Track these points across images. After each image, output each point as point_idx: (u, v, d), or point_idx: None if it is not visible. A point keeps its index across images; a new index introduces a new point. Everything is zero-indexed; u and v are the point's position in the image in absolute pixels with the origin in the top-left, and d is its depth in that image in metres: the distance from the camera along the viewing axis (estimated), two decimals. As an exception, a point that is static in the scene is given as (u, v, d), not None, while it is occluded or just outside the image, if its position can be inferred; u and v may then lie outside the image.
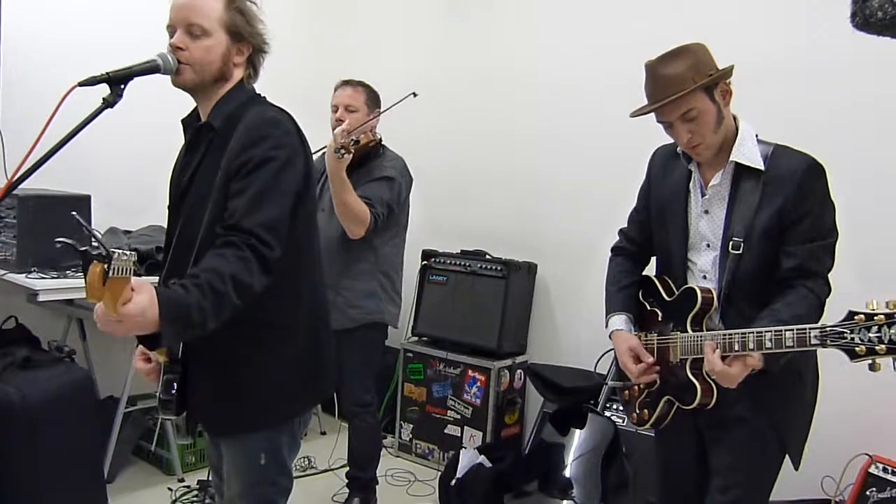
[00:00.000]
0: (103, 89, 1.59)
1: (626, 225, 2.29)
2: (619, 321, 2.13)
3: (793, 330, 1.67)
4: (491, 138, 4.13)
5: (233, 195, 1.62)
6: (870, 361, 1.54)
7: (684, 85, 1.84)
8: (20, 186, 1.57)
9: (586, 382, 3.45)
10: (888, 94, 2.85)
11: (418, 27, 4.47)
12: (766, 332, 1.72)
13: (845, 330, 1.57)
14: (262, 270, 1.56)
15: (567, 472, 3.06)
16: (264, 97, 1.85)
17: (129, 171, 3.72)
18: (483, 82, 4.14)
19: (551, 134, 3.92)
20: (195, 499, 3.33)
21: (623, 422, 3.23)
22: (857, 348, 1.55)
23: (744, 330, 1.79)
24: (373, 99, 3.12)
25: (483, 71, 4.15)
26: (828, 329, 1.61)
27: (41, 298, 2.89)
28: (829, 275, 1.88)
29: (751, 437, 1.92)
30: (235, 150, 1.65)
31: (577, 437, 3.13)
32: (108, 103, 1.60)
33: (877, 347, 1.52)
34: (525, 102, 4.00)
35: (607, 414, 3.23)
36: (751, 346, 1.75)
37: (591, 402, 3.23)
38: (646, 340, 2.09)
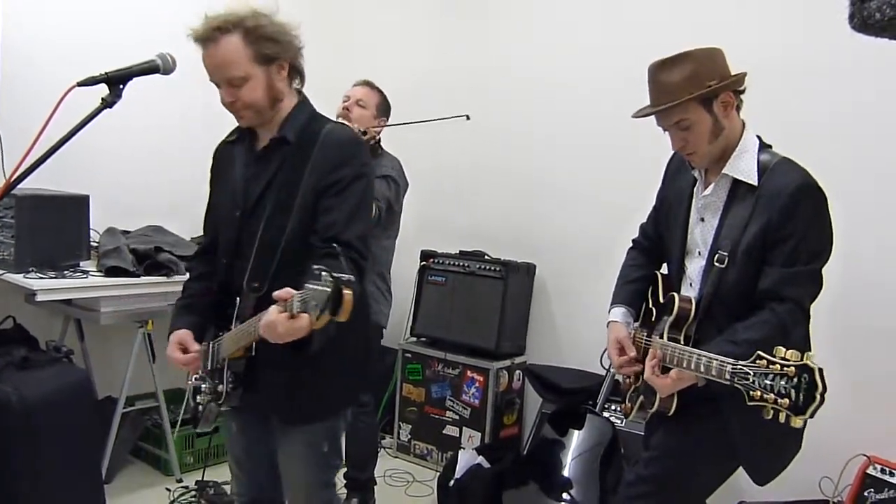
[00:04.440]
0: (102, 89, 1.59)
1: (645, 221, 2.30)
2: (618, 314, 2.15)
3: (718, 360, 1.64)
4: (490, 138, 4.13)
5: (327, 210, 1.80)
6: (762, 406, 1.50)
7: (677, 95, 1.82)
8: (18, 186, 1.56)
9: (585, 383, 3.46)
10: (887, 94, 2.85)
11: (416, 26, 4.47)
12: (702, 356, 1.71)
13: (750, 371, 1.53)
14: (359, 279, 1.74)
15: (565, 473, 3.05)
16: (321, 113, 1.98)
17: (127, 172, 3.72)
18: (481, 82, 4.14)
19: (550, 134, 3.92)
20: (193, 499, 3.32)
21: (622, 422, 3.24)
22: (752, 392, 1.52)
23: (684, 348, 1.80)
24: (384, 107, 3.14)
25: (482, 71, 4.15)
26: (738, 367, 1.57)
27: (39, 298, 2.89)
28: (827, 276, 1.85)
29: (699, 433, 1.92)
30: (326, 167, 1.81)
31: (576, 438, 3.13)
32: (107, 103, 1.60)
33: (766, 395, 1.49)
34: (524, 102, 4.01)
35: (606, 414, 3.23)
36: (684, 364, 1.76)
37: (590, 402, 3.23)
38: (637, 337, 2.11)
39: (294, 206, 1.81)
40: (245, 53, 1.78)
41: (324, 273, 1.42)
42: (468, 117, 3.35)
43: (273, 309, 1.54)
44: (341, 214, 1.78)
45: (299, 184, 1.81)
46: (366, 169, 1.87)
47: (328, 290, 1.40)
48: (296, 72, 1.91)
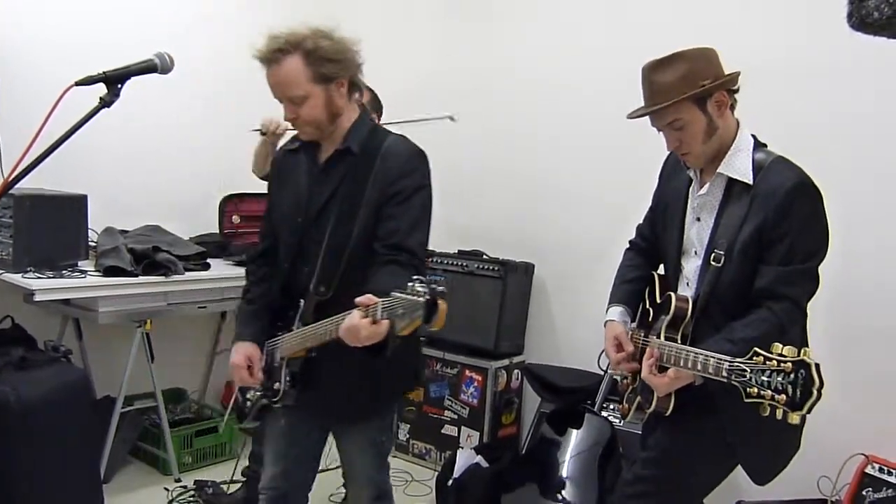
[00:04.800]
0: (100, 89, 1.59)
1: (642, 221, 2.30)
2: (615, 313, 2.16)
3: (714, 358, 1.65)
4: (489, 138, 4.13)
5: (389, 217, 1.89)
6: (759, 403, 1.51)
7: (670, 95, 1.83)
8: (17, 186, 1.56)
9: (583, 382, 3.46)
10: (886, 94, 2.85)
11: (420, 28, 4.47)
12: (699, 354, 1.71)
13: (746, 368, 1.54)
14: None
15: (564, 472, 3.06)
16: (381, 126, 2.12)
17: (125, 171, 3.71)
18: (481, 83, 4.14)
19: (549, 134, 3.92)
20: (191, 499, 3.32)
21: (620, 422, 3.24)
22: (749, 388, 1.52)
23: (680, 347, 1.81)
24: (374, 103, 3.11)
25: (481, 71, 4.15)
26: (734, 364, 1.57)
27: (37, 298, 2.89)
28: (823, 279, 1.85)
29: (697, 432, 1.92)
30: (390, 177, 1.91)
31: (574, 437, 3.13)
32: (105, 103, 1.59)
33: (762, 392, 1.50)
34: (524, 103, 4.01)
35: (604, 414, 3.23)
36: (681, 363, 1.76)
37: (588, 402, 3.23)
38: (635, 337, 2.11)
39: (358, 215, 1.91)
40: (305, 74, 1.86)
41: (417, 286, 1.50)
42: (452, 118, 3.34)
43: (356, 313, 1.61)
44: (404, 222, 1.88)
45: (363, 194, 1.91)
46: (427, 180, 1.97)
47: (421, 299, 1.48)
48: (355, 87, 1.99)
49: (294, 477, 2.18)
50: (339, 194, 1.95)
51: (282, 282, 2.06)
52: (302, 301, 1.98)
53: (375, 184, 1.91)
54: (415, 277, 1.53)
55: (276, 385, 1.99)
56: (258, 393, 2.05)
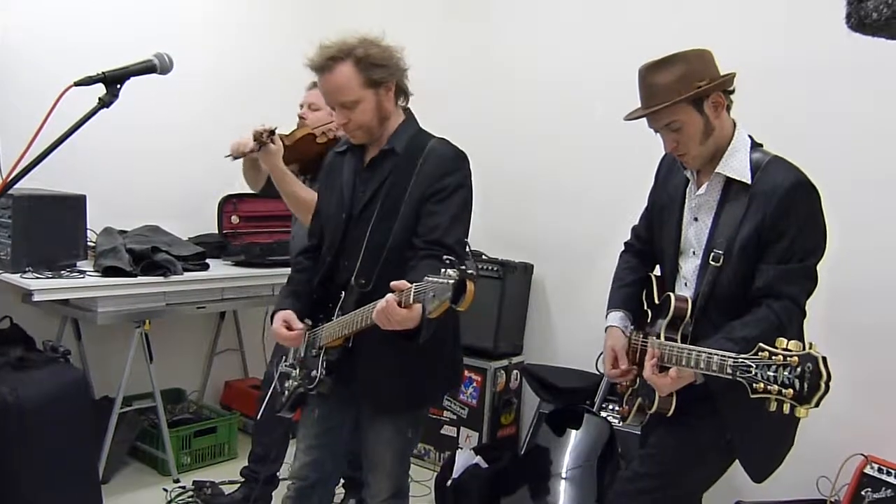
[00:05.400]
0: (99, 89, 1.59)
1: (637, 223, 2.31)
2: (615, 318, 2.16)
3: (718, 355, 1.65)
4: (488, 139, 4.11)
5: (430, 214, 1.96)
6: (765, 398, 1.51)
7: (667, 97, 1.83)
8: (15, 186, 1.56)
9: (582, 383, 3.45)
10: (886, 94, 2.85)
11: (417, 28, 4.46)
12: (701, 352, 1.71)
13: (752, 364, 1.54)
14: None
15: (563, 473, 3.06)
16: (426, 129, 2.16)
17: (124, 171, 3.71)
18: (481, 83, 4.14)
19: (548, 135, 3.92)
20: (190, 499, 3.32)
21: (619, 422, 3.24)
22: (755, 384, 1.52)
23: (682, 346, 1.81)
24: None
25: (481, 72, 4.15)
26: (739, 361, 1.57)
27: (36, 298, 2.89)
28: (821, 282, 1.85)
29: (697, 431, 1.93)
30: (431, 177, 1.98)
31: (573, 438, 3.13)
32: (104, 103, 1.60)
33: (769, 387, 1.50)
34: (523, 103, 4.01)
35: (603, 414, 3.23)
36: (683, 362, 1.76)
37: (588, 402, 3.23)
38: (634, 340, 2.11)
39: (399, 212, 1.98)
40: (356, 80, 1.96)
41: (449, 270, 1.55)
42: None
43: (390, 297, 1.70)
44: (444, 218, 1.95)
45: (405, 192, 1.98)
46: (467, 181, 2.04)
47: (451, 281, 1.53)
48: (401, 91, 2.09)
49: (324, 468, 2.22)
50: (382, 193, 2.02)
51: (323, 275, 2.13)
52: (343, 294, 2.05)
53: (418, 183, 1.98)
54: (447, 261, 1.59)
55: (314, 373, 2.05)
56: (296, 382, 2.11)
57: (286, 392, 2.16)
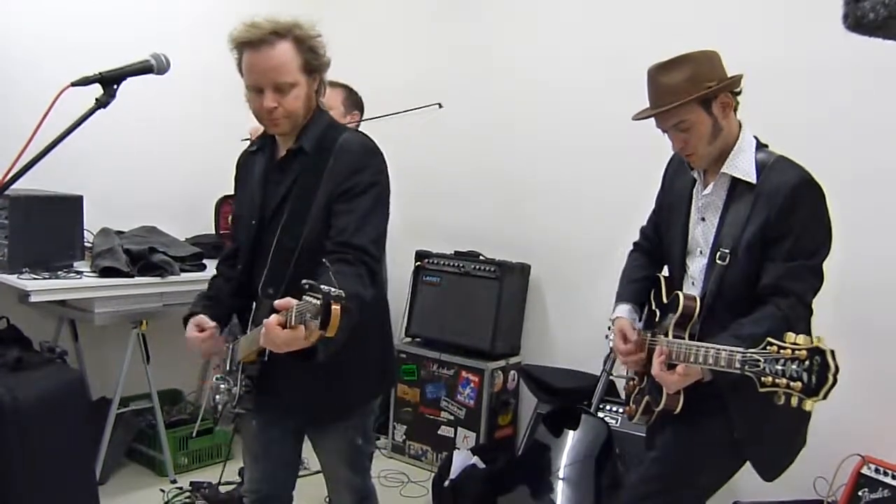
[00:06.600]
0: (96, 89, 1.59)
1: (645, 224, 2.32)
2: (623, 310, 2.16)
3: (727, 350, 1.65)
4: (486, 139, 4.13)
5: (339, 214, 1.82)
6: (773, 392, 1.52)
7: (677, 97, 1.85)
8: (12, 186, 1.56)
9: (580, 383, 3.45)
10: (885, 93, 2.86)
11: (418, 29, 4.46)
12: (710, 348, 1.72)
13: (760, 358, 1.54)
14: (371, 283, 1.78)
15: (560, 473, 3.05)
16: (339, 122, 2.03)
17: (121, 172, 3.71)
18: (480, 84, 4.14)
19: (546, 135, 3.92)
20: (187, 500, 3.32)
21: (617, 422, 3.24)
22: (764, 378, 1.53)
23: (690, 343, 1.81)
24: (351, 101, 3.05)
25: (480, 73, 4.15)
26: (748, 355, 1.58)
27: (33, 299, 2.88)
28: (825, 283, 1.86)
29: (705, 431, 1.93)
30: (341, 175, 1.84)
31: (571, 438, 3.13)
32: (101, 104, 1.60)
33: (777, 381, 1.50)
34: (521, 104, 4.00)
35: (601, 415, 3.24)
36: (692, 359, 1.77)
37: (585, 402, 3.23)
38: (643, 337, 2.11)
39: (310, 214, 1.85)
40: (296, 62, 1.81)
41: (322, 286, 1.41)
42: (440, 105, 3.31)
43: (273, 318, 1.55)
44: (353, 219, 1.81)
45: (315, 192, 1.85)
46: (380, 177, 1.89)
47: (318, 303, 1.39)
48: (323, 86, 1.94)
49: (273, 479, 2.16)
50: (291, 194, 1.90)
51: (240, 283, 2.01)
52: (255, 303, 1.95)
53: (328, 181, 1.85)
54: (306, 285, 1.44)
55: (234, 390, 1.94)
56: (224, 397, 1.99)
57: (219, 406, 2.03)
